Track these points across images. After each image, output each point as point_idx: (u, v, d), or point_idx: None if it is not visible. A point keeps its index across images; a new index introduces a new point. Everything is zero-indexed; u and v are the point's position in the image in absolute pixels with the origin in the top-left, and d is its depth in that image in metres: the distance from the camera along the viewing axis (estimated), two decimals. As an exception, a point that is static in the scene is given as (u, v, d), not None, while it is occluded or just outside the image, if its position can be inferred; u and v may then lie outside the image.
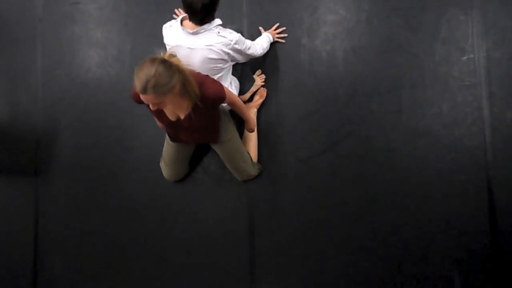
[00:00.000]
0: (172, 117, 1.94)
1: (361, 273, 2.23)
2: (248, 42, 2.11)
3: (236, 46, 2.01)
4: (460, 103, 2.20)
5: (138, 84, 1.60)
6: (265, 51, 2.27)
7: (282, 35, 2.40)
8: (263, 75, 2.41)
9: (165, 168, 2.35)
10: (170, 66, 1.64)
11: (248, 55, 2.12)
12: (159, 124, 2.21)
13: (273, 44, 2.39)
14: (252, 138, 2.34)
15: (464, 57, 2.22)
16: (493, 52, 2.19)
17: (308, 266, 2.29)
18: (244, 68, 2.29)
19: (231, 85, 2.20)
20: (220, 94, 1.85)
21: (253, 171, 2.30)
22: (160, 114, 1.94)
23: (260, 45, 2.21)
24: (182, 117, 1.92)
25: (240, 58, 2.12)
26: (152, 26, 2.53)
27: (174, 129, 2.08)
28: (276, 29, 2.40)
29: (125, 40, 2.61)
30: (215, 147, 2.28)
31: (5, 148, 2.75)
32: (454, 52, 2.23)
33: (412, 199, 2.21)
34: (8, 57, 2.80)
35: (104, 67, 2.63)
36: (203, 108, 1.85)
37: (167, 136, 2.23)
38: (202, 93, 1.79)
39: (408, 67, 2.27)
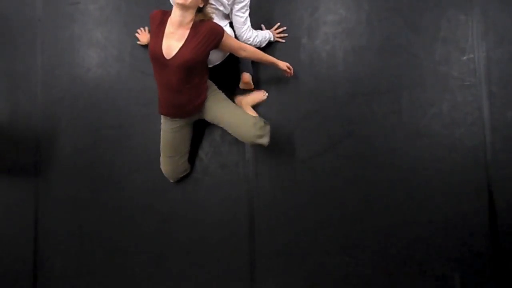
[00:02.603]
0: (166, 52, 2.01)
1: (361, 273, 2.23)
2: (248, 19, 2.17)
3: None
4: (460, 103, 2.20)
5: None
6: (258, 42, 2.28)
7: (282, 35, 2.40)
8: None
9: (164, 161, 2.35)
10: None
11: (240, 16, 2.15)
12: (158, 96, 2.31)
13: (273, 44, 2.39)
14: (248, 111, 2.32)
15: (464, 57, 2.22)
16: (493, 52, 2.19)
17: (308, 266, 2.29)
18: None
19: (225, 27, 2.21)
20: (218, 27, 2.02)
21: (255, 120, 2.14)
22: (156, 43, 2.02)
23: (259, 33, 2.26)
24: (176, 49, 2.00)
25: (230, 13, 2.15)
26: (152, 26, 2.53)
27: (162, 74, 2.09)
28: (276, 28, 2.40)
29: (125, 40, 2.61)
30: (207, 114, 2.23)
31: (5, 148, 2.75)
32: (454, 52, 2.23)
33: (412, 199, 2.21)
34: (8, 57, 2.79)
35: (104, 67, 2.63)
36: (198, 39, 1.98)
37: (162, 125, 2.27)
38: (203, 22, 2.01)
39: (408, 67, 2.27)
